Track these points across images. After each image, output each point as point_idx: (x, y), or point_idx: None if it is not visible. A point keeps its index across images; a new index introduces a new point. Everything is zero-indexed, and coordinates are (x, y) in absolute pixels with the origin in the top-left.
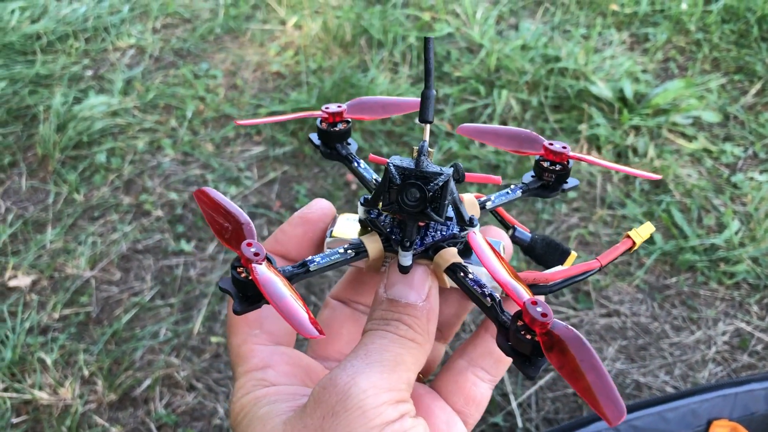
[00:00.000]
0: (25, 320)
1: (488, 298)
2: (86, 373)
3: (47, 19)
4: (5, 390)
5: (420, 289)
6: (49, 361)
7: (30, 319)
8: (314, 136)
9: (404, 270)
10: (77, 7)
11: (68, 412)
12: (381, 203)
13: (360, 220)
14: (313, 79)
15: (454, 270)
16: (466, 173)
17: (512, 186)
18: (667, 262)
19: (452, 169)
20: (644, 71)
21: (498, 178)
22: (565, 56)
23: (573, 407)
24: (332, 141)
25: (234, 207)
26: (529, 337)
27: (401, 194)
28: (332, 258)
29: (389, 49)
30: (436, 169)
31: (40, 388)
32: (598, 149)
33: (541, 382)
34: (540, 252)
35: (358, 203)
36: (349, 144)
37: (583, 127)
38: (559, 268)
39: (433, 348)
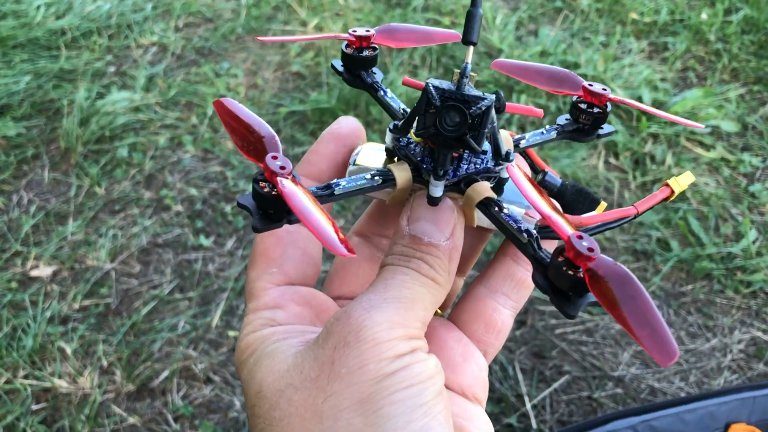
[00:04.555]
0: (46, 309)
1: (524, 234)
2: (105, 363)
3: (72, 16)
4: (26, 377)
5: (445, 228)
6: (68, 350)
7: (51, 308)
8: (337, 63)
9: (434, 202)
10: (101, 5)
11: (87, 401)
12: (415, 129)
13: (387, 149)
14: (333, 80)
15: (487, 205)
16: (506, 103)
17: (546, 127)
18: (683, 269)
19: (494, 96)
20: (663, 80)
21: (540, 111)
22: (584, 63)
23: (587, 410)
24: (357, 68)
25: (256, 119)
26: (571, 273)
27: (440, 118)
28: (358, 183)
29: (409, 51)
30: (478, 93)
31: (60, 377)
32: (616, 156)
33: (555, 385)
34: (569, 199)
35: (387, 130)
36: (374, 73)
37: None
38: (592, 214)
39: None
